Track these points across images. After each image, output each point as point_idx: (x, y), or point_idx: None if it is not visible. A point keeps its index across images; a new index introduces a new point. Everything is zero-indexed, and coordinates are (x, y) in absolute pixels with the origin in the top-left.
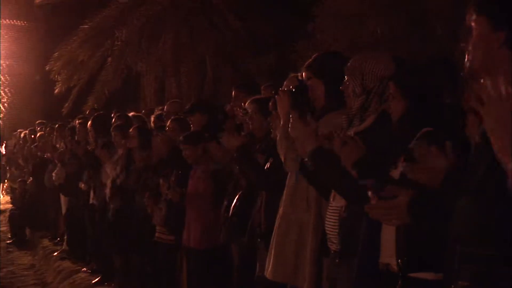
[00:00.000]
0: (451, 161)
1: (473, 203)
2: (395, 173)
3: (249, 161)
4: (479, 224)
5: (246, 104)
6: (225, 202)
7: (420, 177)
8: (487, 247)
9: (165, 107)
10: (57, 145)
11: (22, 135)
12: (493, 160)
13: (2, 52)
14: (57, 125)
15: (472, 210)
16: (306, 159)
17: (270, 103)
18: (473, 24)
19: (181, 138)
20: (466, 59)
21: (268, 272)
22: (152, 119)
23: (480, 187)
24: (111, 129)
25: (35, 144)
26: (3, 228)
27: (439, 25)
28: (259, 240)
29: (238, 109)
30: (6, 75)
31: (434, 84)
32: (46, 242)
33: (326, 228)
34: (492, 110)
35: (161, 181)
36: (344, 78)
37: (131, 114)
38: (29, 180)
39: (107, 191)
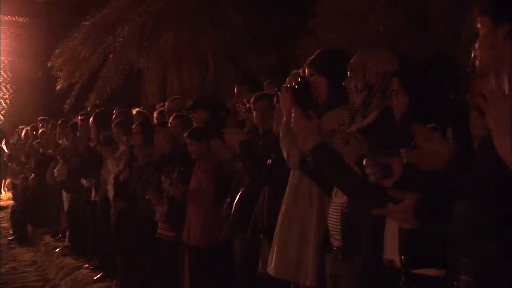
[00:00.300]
0: (453, 146)
1: (473, 203)
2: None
3: (252, 157)
4: (479, 224)
5: (253, 100)
6: (228, 199)
7: (422, 162)
8: (488, 245)
9: (166, 103)
10: (59, 142)
11: (24, 131)
12: (495, 159)
13: (3, 48)
14: (59, 122)
15: (472, 210)
16: (308, 155)
17: (274, 98)
18: (478, 25)
19: (186, 133)
20: (472, 58)
21: (271, 269)
22: (155, 115)
23: (481, 186)
24: (113, 125)
25: (37, 140)
26: (5, 225)
27: (440, 25)
28: (261, 236)
29: (240, 105)
30: (7, 72)
31: (437, 80)
32: (48, 238)
33: (329, 225)
34: (495, 108)
35: (163, 177)
36: (347, 75)
37: (135, 110)
38: (31, 177)
39: (109, 187)
